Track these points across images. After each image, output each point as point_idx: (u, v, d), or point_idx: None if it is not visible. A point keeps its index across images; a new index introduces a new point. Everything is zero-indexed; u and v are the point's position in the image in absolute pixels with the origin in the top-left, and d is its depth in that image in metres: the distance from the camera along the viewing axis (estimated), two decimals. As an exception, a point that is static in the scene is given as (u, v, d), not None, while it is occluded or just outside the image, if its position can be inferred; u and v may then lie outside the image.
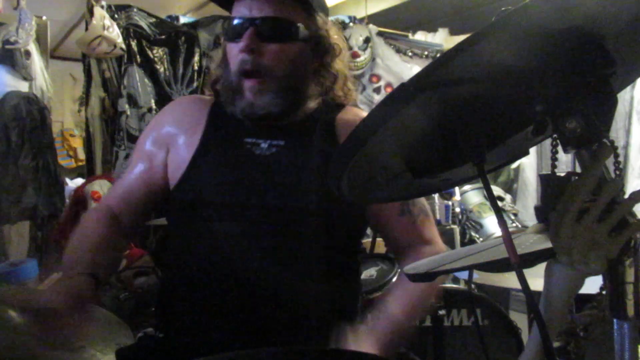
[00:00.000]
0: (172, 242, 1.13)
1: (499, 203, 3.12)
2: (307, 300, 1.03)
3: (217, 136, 1.12)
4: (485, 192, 3.10)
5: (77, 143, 3.59)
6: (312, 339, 1.01)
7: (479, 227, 3.06)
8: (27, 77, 2.56)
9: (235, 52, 1.06)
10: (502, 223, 0.57)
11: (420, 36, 4.08)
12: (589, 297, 0.74)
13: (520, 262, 0.55)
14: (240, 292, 1.01)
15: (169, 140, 1.15)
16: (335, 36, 1.15)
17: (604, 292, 0.58)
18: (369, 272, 1.83)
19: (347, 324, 0.98)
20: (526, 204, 3.52)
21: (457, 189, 3.03)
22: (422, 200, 1.19)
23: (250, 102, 1.07)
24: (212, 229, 1.03)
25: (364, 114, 1.23)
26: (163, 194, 1.14)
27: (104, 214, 1.15)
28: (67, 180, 3.48)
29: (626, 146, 3.19)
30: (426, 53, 3.80)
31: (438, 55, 3.74)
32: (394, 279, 1.75)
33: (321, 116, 1.13)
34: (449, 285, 1.98)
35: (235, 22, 1.06)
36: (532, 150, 3.41)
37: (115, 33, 2.66)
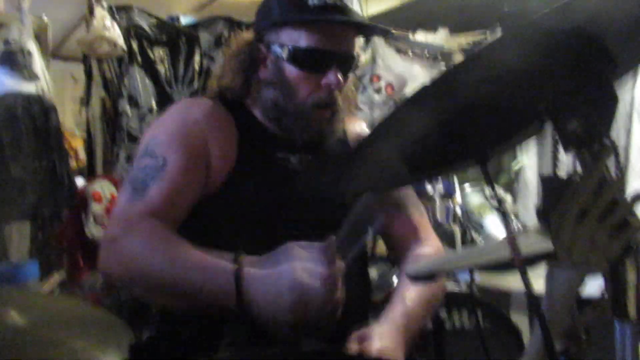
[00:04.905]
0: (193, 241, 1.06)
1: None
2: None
3: (252, 150, 1.12)
4: (485, 193, 3.06)
5: (78, 143, 3.58)
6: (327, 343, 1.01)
7: (479, 227, 3.06)
8: (32, 77, 2.54)
9: (313, 82, 1.07)
10: (506, 223, 0.57)
11: (420, 36, 4.07)
12: (590, 300, 0.74)
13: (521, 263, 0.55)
14: None
15: (206, 141, 1.09)
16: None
17: (605, 294, 0.58)
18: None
19: (364, 323, 1.00)
20: (527, 205, 3.51)
21: (457, 189, 3.03)
22: (419, 201, 1.28)
23: (318, 131, 1.11)
24: (244, 238, 1.02)
25: (363, 124, 1.31)
26: (200, 197, 1.08)
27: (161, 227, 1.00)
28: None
29: (627, 146, 3.17)
30: (427, 53, 3.79)
31: (439, 55, 3.73)
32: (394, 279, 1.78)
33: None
34: (449, 287, 1.98)
35: (317, 51, 1.05)
36: (533, 150, 3.41)
37: (116, 33, 2.66)
